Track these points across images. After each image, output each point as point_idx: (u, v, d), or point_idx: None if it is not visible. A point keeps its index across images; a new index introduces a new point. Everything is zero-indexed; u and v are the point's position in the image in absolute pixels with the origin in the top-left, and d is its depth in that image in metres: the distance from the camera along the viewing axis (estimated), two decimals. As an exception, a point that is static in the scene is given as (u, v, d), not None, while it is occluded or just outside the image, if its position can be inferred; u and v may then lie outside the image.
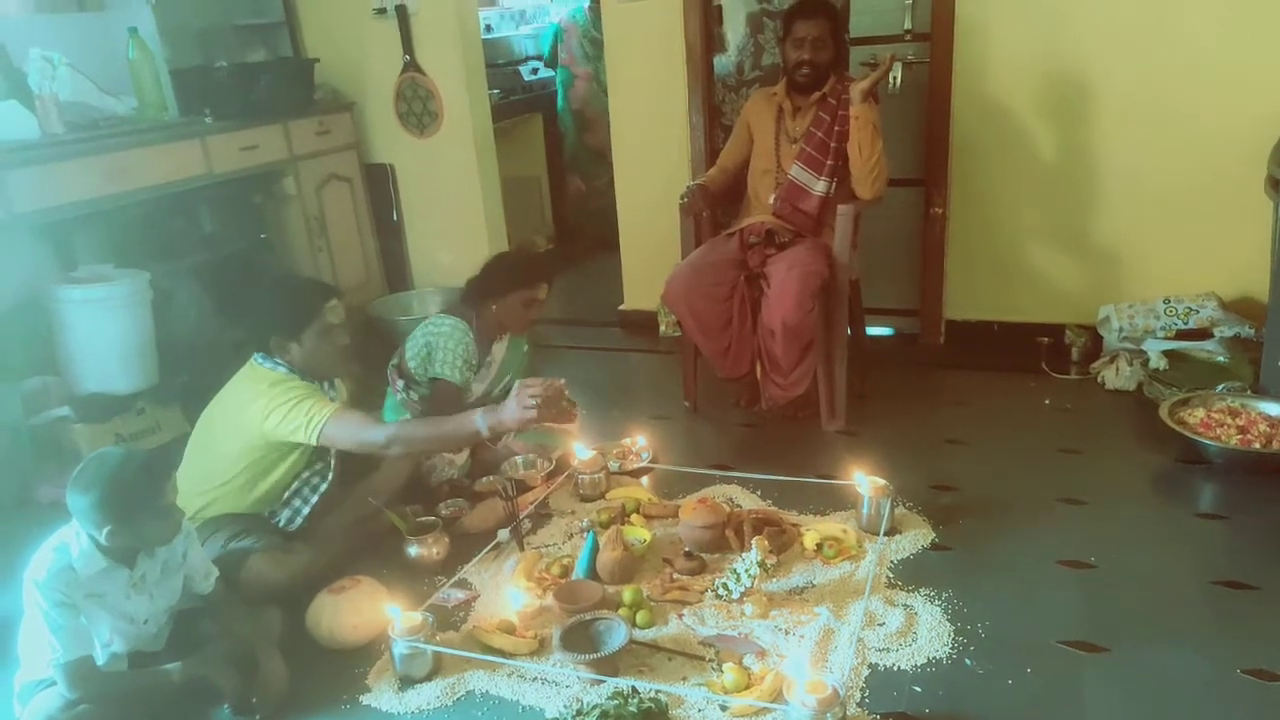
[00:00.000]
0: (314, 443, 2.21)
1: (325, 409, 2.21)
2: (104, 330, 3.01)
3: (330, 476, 2.40)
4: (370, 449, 2.29)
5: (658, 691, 1.83)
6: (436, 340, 2.73)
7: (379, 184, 4.30)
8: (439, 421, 2.38)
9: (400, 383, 2.81)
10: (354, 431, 2.23)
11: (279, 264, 3.86)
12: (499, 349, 2.89)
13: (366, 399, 3.16)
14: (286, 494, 2.35)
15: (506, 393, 2.96)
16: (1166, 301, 3.25)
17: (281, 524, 2.35)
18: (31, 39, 3.15)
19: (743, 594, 2.12)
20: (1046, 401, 3.14)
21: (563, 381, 2.33)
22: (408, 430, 2.34)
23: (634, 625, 2.04)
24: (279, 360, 2.29)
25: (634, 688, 1.81)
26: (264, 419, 2.20)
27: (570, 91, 5.40)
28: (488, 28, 5.53)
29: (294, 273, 3.70)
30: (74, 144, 3.01)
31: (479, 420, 2.27)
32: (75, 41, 3.31)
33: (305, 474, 2.37)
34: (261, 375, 2.28)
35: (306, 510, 2.35)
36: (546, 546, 2.47)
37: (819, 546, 2.31)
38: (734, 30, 3.74)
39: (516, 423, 2.27)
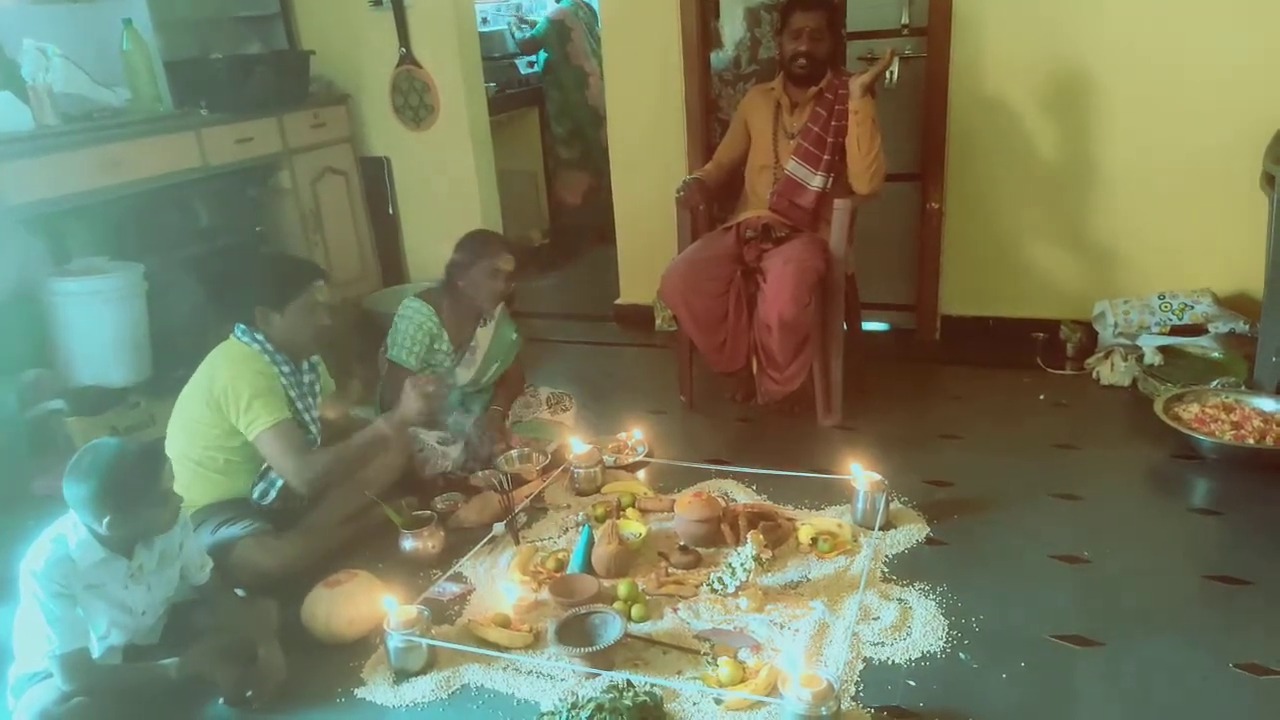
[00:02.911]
0: (249, 439, 2.26)
1: (271, 416, 2.25)
2: (98, 323, 3.00)
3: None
4: (282, 474, 2.31)
5: (653, 685, 1.83)
6: (397, 323, 2.77)
7: (375, 177, 4.29)
8: (345, 444, 2.39)
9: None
10: (276, 451, 2.27)
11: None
12: (484, 334, 2.89)
13: (365, 392, 3.17)
14: (264, 465, 2.36)
15: (494, 382, 2.98)
16: (1161, 297, 3.26)
17: (257, 497, 2.35)
18: (25, 30, 3.14)
19: (738, 588, 2.12)
20: (1041, 397, 3.15)
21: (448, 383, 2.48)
22: (321, 462, 2.31)
23: (629, 619, 2.04)
24: (258, 335, 2.32)
25: (629, 681, 1.81)
26: (223, 391, 2.25)
27: (587, 91, 5.39)
28: (484, 20, 5.51)
29: (288, 252, 3.70)
30: (68, 136, 3.00)
31: (379, 423, 2.40)
32: (69, 33, 3.30)
33: None
34: (235, 349, 2.32)
35: (280, 481, 2.34)
36: (542, 540, 2.47)
37: (814, 541, 2.31)
38: (731, 24, 3.73)
39: (413, 412, 2.38)
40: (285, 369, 2.35)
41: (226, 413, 2.25)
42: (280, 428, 2.26)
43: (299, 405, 2.37)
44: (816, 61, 2.97)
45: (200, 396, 2.30)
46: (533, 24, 5.75)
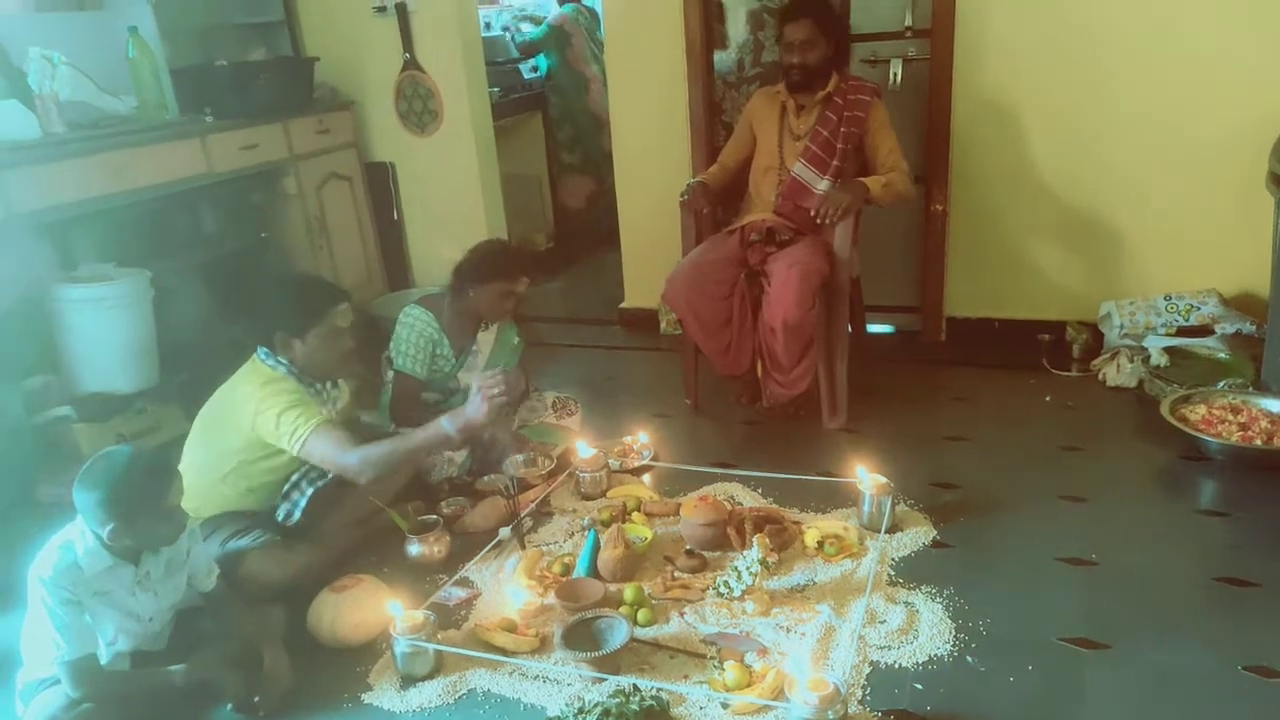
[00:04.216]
0: (295, 453, 2.22)
1: (310, 422, 2.21)
2: (105, 329, 3.01)
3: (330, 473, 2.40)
4: (342, 472, 2.25)
5: (659, 689, 1.83)
6: (398, 331, 2.76)
7: (379, 183, 4.30)
8: (406, 437, 2.35)
9: (390, 373, 2.83)
10: (329, 451, 2.22)
11: (281, 263, 3.86)
12: (485, 339, 2.89)
13: (369, 397, 3.17)
14: (286, 487, 2.36)
15: None
16: (1168, 298, 3.25)
17: (281, 518, 2.35)
18: (31, 38, 3.14)
19: (744, 592, 2.12)
20: (1047, 398, 3.14)
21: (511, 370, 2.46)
22: (378, 452, 2.25)
23: (635, 623, 2.04)
24: (281, 358, 2.31)
25: (635, 686, 1.81)
26: (254, 417, 2.22)
27: (588, 96, 5.41)
28: (487, 25, 5.52)
29: (307, 273, 3.70)
30: (74, 143, 3.01)
31: (445, 424, 2.29)
32: (75, 40, 3.31)
33: (305, 467, 2.37)
34: (260, 372, 2.30)
35: (304, 502, 2.34)
36: (548, 544, 2.47)
37: (820, 544, 2.31)
38: (734, 27, 3.73)
39: (482, 416, 2.28)
40: (310, 391, 2.34)
41: (264, 437, 2.22)
42: (323, 429, 2.21)
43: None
44: (810, 70, 2.98)
45: (228, 420, 2.28)
46: (539, 21, 5.75)
